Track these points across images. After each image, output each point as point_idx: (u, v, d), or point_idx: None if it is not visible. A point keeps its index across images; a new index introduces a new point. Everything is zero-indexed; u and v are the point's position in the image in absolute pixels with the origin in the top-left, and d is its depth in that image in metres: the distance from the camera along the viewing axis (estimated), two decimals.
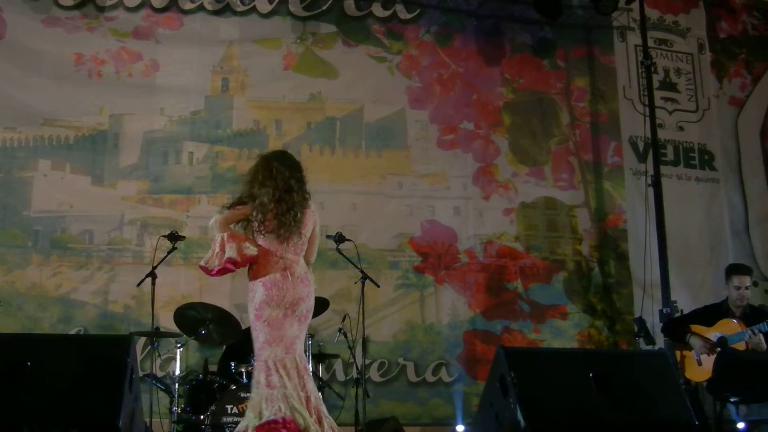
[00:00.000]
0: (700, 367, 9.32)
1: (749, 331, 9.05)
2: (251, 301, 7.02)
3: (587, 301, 12.04)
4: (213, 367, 9.77)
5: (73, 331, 10.54)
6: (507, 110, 12.48)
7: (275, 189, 7.02)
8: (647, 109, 11.62)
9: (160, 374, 9.88)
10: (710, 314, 9.62)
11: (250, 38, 12.03)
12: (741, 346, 9.14)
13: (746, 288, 9.52)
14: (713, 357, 9.17)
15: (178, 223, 10.95)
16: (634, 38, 12.75)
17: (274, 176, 7.09)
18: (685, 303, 10.91)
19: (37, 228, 10.97)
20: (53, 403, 5.77)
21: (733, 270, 9.79)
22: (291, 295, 6.98)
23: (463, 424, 10.62)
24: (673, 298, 10.78)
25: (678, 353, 9.59)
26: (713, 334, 9.38)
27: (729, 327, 9.34)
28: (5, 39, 11.33)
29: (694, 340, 9.42)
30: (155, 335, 9.27)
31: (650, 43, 12.11)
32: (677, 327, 9.84)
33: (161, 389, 9.35)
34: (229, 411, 8.34)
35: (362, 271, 9.49)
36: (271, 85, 11.99)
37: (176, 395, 8.68)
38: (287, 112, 11.93)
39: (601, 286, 12.14)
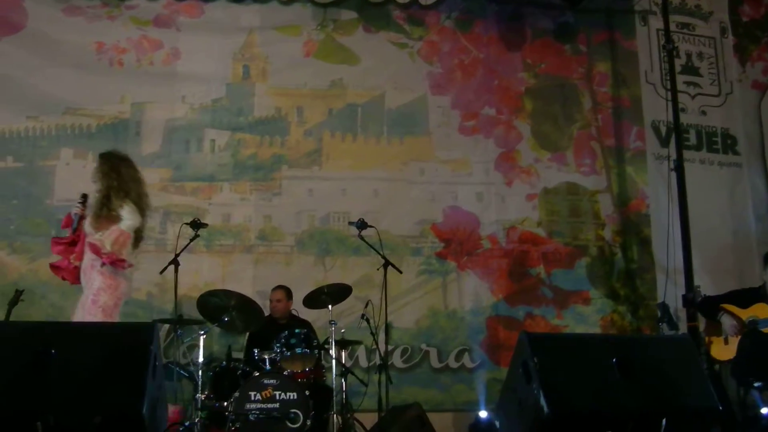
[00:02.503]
0: (726, 346, 9.32)
1: None
2: (89, 287, 7.64)
3: (610, 287, 12.01)
4: (236, 354, 9.80)
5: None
6: (529, 96, 12.45)
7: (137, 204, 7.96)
8: (669, 93, 11.52)
9: (183, 361, 9.91)
10: (746, 297, 9.60)
11: (271, 25, 12.04)
12: None
13: None
14: (740, 338, 9.16)
15: (200, 211, 10.99)
16: (656, 22, 12.66)
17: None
18: (708, 288, 10.82)
19: (60, 217, 10.95)
20: (77, 390, 5.79)
21: None
22: (125, 288, 7.88)
23: (486, 410, 10.59)
24: (696, 282, 10.71)
25: (707, 338, 9.59)
26: (745, 315, 9.36)
27: (762, 311, 9.32)
28: (27, 28, 11.40)
29: (724, 319, 9.42)
30: (178, 323, 9.31)
31: (672, 27, 12.00)
32: (711, 305, 9.80)
33: (185, 376, 9.40)
34: (253, 398, 8.35)
35: (384, 258, 9.51)
36: (292, 72, 12.01)
37: (200, 382, 8.70)
38: (308, 99, 11.94)
39: (623, 272, 12.10)
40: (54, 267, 8.26)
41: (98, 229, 7.95)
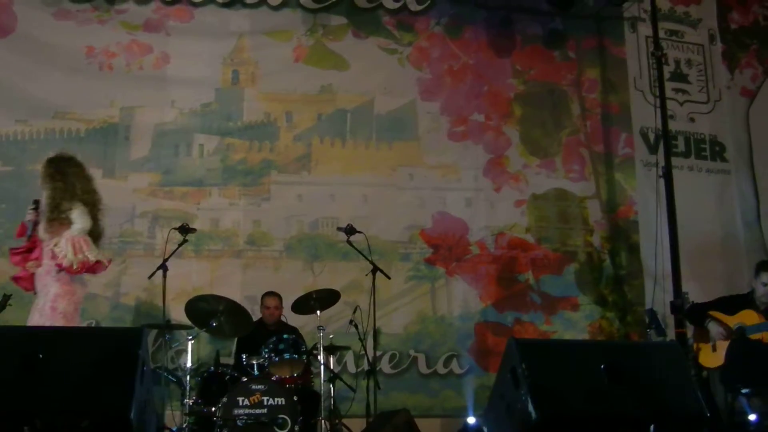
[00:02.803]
0: (714, 354, 9.33)
1: None
2: (45, 293, 7.72)
3: (598, 293, 12.02)
4: (224, 359, 9.79)
5: (84, 324, 10.54)
6: (518, 101, 12.46)
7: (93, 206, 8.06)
8: (658, 100, 11.52)
9: (171, 366, 9.92)
10: (734, 303, 9.60)
11: (261, 30, 12.04)
12: (758, 337, 9.13)
13: None
14: (727, 344, 9.17)
15: (189, 216, 10.97)
16: (645, 29, 12.67)
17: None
18: (696, 294, 10.83)
19: None
20: (65, 395, 5.78)
21: (763, 266, 9.71)
22: (82, 293, 7.87)
23: (474, 415, 10.59)
24: (684, 289, 10.71)
25: (695, 345, 9.60)
26: (733, 322, 9.38)
27: (749, 317, 9.33)
28: (16, 32, 11.38)
29: (712, 326, 9.44)
30: (167, 327, 9.31)
31: (661, 34, 11.97)
32: (699, 312, 9.81)
33: (173, 381, 9.40)
34: (241, 403, 8.38)
35: (373, 263, 9.52)
36: (282, 77, 12.00)
37: (188, 387, 8.69)
38: (298, 104, 11.93)
39: (612, 278, 12.12)
40: (16, 279, 8.23)
41: (52, 234, 7.86)
